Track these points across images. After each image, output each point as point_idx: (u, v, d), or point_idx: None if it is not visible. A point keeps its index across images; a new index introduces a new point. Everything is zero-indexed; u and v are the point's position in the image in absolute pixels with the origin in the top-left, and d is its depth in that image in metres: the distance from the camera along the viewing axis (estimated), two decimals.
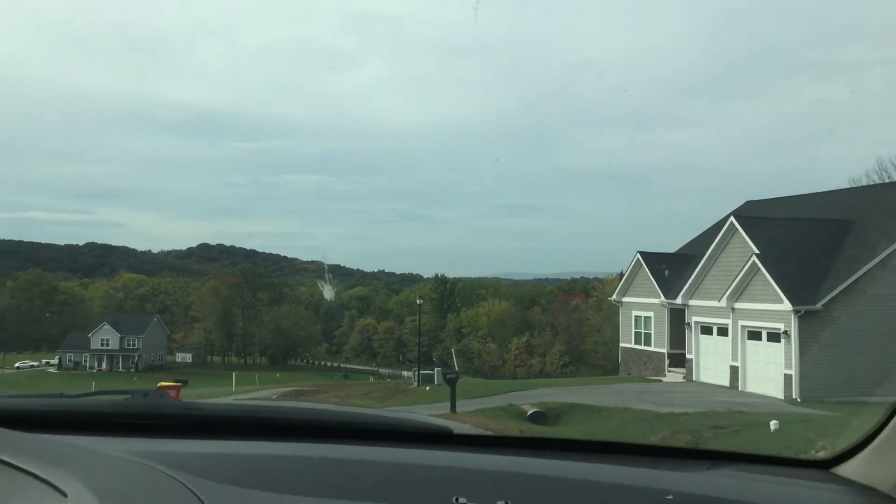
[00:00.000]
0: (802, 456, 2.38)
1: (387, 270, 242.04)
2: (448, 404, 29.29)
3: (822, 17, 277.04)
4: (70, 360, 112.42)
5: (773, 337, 30.92)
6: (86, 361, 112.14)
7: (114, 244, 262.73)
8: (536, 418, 26.28)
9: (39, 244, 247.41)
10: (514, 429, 22.15)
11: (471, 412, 26.73)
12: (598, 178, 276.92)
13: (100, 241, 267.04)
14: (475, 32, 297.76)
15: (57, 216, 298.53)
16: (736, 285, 32.12)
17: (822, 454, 2.19)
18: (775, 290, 30.06)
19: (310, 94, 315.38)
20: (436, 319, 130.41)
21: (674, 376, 36.93)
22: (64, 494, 1.45)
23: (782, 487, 1.83)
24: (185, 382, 35.78)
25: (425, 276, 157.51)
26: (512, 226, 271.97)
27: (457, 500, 1.54)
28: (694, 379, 35.37)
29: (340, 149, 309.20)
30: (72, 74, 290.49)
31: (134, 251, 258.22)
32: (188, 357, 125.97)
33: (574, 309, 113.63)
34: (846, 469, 1.92)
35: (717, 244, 34.07)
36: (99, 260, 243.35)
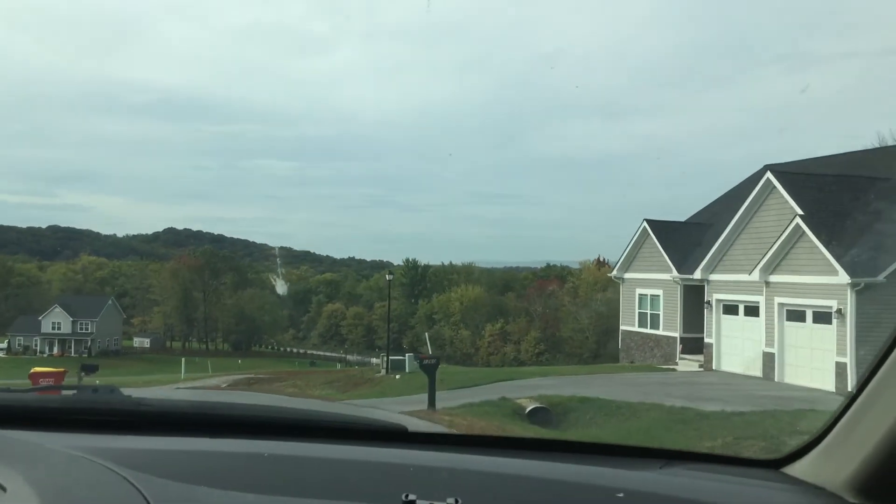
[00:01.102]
0: (753, 456, 1.99)
1: (357, 257, 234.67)
2: (423, 397, 23.29)
3: (794, 8, 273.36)
4: (19, 345, 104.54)
5: (822, 317, 24.89)
6: (36, 346, 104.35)
7: (78, 227, 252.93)
8: (538, 417, 20.05)
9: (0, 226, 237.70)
10: (514, 431, 16.87)
11: (455, 408, 20.47)
12: (571, 167, 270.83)
13: (63, 224, 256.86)
14: (447, 19, 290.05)
15: (20, 199, 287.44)
16: (773, 254, 26.07)
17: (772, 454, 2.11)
18: (826, 259, 24.01)
19: (282, 78, 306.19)
20: (406, 305, 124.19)
21: (688, 364, 30.88)
22: (3, 489, 1.42)
23: (732, 486, 1.84)
24: (94, 368, 29.16)
25: (396, 263, 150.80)
26: (484, 213, 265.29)
27: (406, 496, 1.52)
28: (714, 367, 29.35)
29: (313, 134, 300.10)
30: (35, 54, 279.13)
31: (98, 234, 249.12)
32: (146, 342, 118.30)
33: (550, 295, 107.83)
34: (795, 469, 1.92)
35: (748, 206, 27.93)
36: (62, 243, 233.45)
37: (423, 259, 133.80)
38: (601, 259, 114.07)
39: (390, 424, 2.14)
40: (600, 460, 2.00)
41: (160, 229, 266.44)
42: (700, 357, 30.34)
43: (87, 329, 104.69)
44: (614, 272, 37.69)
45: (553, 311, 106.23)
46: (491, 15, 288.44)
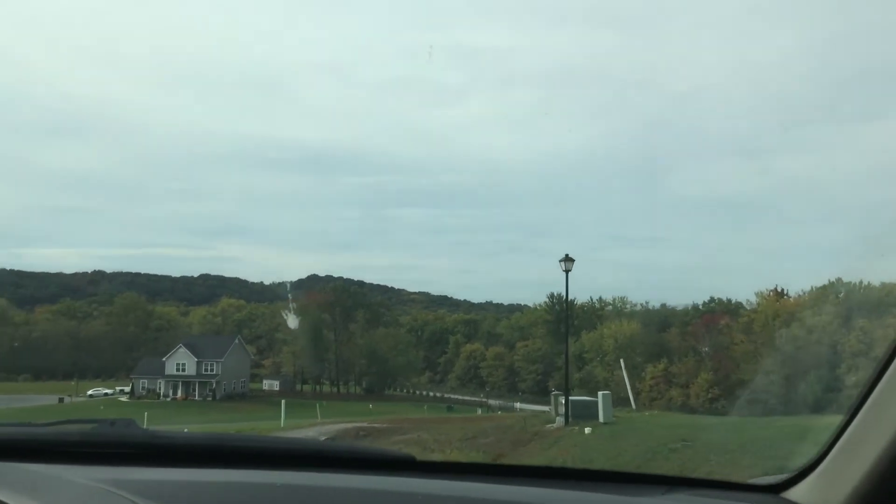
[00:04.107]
0: (753, 481, 2.09)
1: (494, 301, 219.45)
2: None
3: None
4: (143, 388, 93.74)
5: None
6: (160, 388, 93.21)
7: (227, 276, 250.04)
8: None
9: (155, 276, 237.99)
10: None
11: None
12: (710, 208, 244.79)
13: (214, 272, 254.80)
14: (581, 63, 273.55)
15: (179, 252, 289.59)
16: None
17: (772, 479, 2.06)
18: None
19: (419, 129, 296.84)
20: (551, 344, 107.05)
21: None
22: None
23: None
24: None
25: (533, 306, 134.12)
26: (623, 257, 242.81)
27: None
28: None
29: (449, 182, 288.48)
30: (192, 116, 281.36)
31: (245, 282, 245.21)
32: (275, 385, 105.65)
33: (721, 331, 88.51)
34: (795, 493, 1.90)
35: None
36: (211, 291, 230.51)
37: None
38: (779, 289, 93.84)
39: (399, 454, 2.15)
40: (605, 487, 1.95)
41: (304, 276, 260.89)
42: None
43: (212, 370, 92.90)
44: None
45: (724, 349, 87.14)
46: (625, 57, 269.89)
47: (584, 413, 22.55)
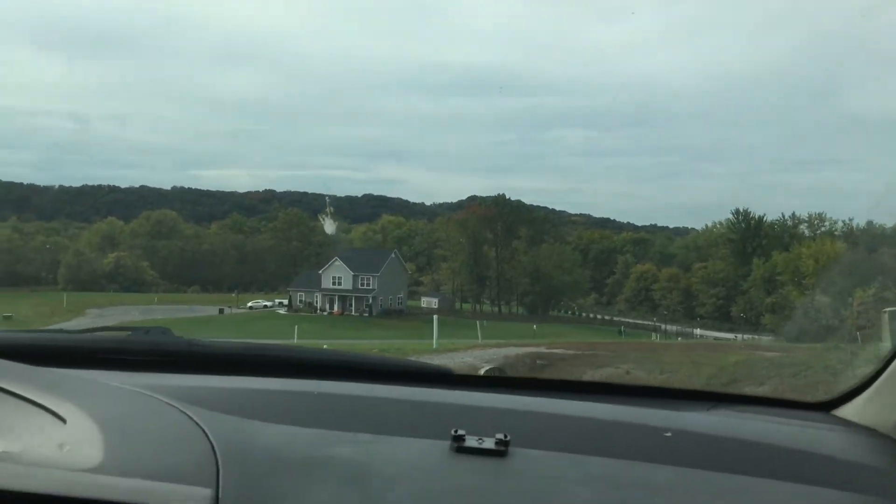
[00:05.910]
0: (802, 399, 2.09)
1: (659, 224, 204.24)
2: None
3: None
4: (301, 301, 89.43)
5: None
6: (317, 302, 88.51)
7: (389, 196, 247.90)
8: None
9: (320, 195, 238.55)
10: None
11: None
12: None
13: (377, 193, 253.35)
14: None
15: (345, 173, 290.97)
16: None
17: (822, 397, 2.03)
18: None
19: (578, 48, 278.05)
20: (735, 266, 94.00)
21: None
22: (63, 420, 1.40)
23: (781, 427, 1.78)
24: None
25: (700, 229, 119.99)
26: (793, 181, 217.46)
27: (456, 431, 1.48)
28: None
29: (607, 104, 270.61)
30: (355, 41, 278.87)
31: (407, 202, 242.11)
32: (434, 302, 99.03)
33: None
34: (846, 411, 1.89)
35: None
36: (374, 210, 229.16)
37: None
38: None
39: (437, 366, 2.14)
40: (647, 402, 1.92)
41: (464, 197, 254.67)
42: None
43: (368, 285, 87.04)
44: None
45: None
46: None
47: None
